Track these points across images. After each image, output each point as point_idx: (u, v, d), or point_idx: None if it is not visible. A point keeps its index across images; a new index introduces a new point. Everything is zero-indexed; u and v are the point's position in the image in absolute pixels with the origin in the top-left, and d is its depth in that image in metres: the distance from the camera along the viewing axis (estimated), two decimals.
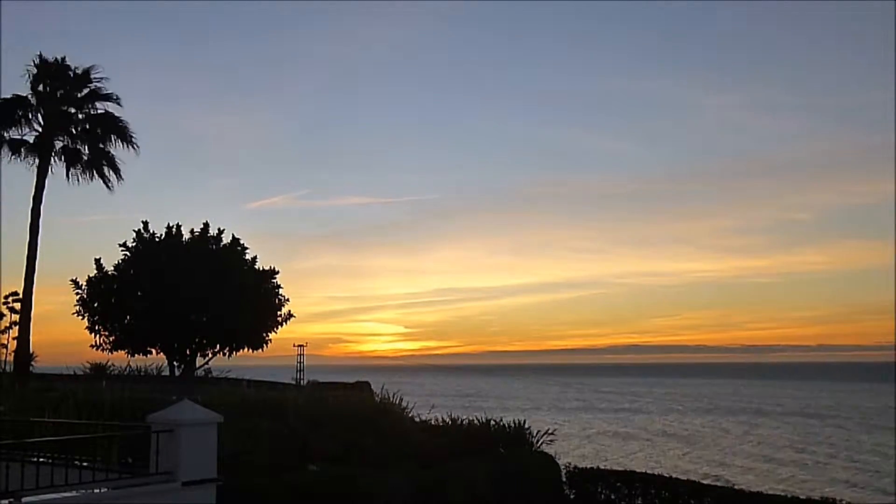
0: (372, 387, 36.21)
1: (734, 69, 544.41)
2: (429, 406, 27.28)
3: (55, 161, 36.76)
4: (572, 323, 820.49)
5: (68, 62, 37.09)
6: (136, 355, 39.59)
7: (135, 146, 37.78)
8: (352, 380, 41.65)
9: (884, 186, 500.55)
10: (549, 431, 23.65)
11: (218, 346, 40.59)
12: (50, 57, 36.91)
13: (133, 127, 38.00)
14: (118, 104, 37.54)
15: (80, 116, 37.56)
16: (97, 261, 39.63)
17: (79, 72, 36.94)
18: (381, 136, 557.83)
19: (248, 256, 41.14)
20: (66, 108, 37.19)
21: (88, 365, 36.65)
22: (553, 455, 22.53)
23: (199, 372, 40.02)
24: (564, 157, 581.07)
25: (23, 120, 36.51)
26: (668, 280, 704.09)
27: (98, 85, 37.28)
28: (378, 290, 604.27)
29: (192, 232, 40.51)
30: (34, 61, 36.56)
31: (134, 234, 40.17)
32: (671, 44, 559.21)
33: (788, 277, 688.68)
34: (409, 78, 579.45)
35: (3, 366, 38.11)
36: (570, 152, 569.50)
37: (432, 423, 23.36)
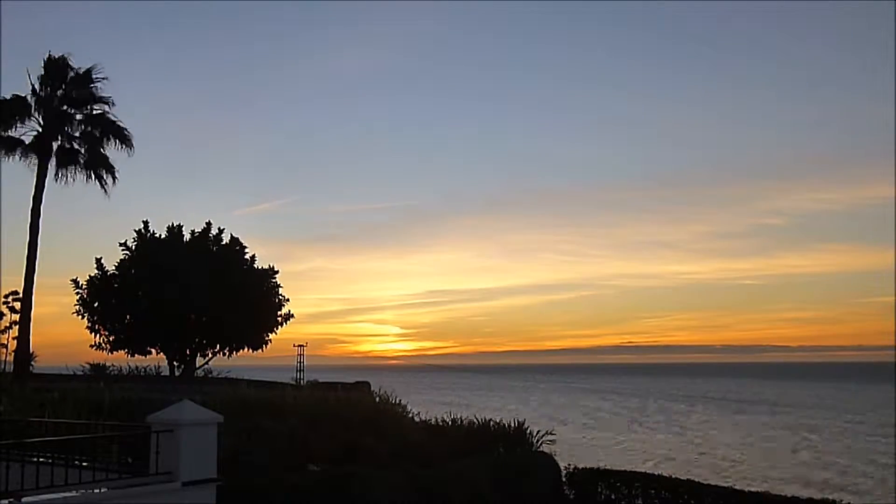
0: (371, 387, 36.18)
1: (709, 77, 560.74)
2: (429, 406, 27.29)
3: (54, 161, 36.80)
4: (565, 324, 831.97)
5: (70, 62, 37.21)
6: (136, 355, 39.62)
7: (131, 146, 37.86)
8: (351, 380, 41.56)
9: (854, 193, 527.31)
10: (550, 431, 23.65)
11: (218, 346, 40.59)
12: (54, 55, 37.05)
13: (129, 130, 38.13)
14: (111, 105, 37.66)
15: (78, 117, 37.59)
16: (98, 260, 39.66)
17: (80, 71, 36.98)
18: (370, 143, 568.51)
19: (247, 256, 41.17)
20: (65, 108, 37.21)
21: (88, 365, 36.62)
22: (553, 455, 22.56)
23: (199, 372, 40.00)
24: (548, 164, 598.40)
25: (22, 120, 36.55)
26: (655, 282, 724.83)
27: (96, 87, 37.37)
28: (370, 293, 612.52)
29: (192, 232, 40.52)
30: (42, 61, 36.65)
31: (134, 234, 40.20)
32: (648, 51, 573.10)
33: (769, 280, 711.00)
34: (398, 86, 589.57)
35: (3, 366, 38.06)
36: (552, 159, 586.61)
37: (432, 423, 23.35)
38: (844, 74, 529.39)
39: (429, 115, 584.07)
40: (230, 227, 41.68)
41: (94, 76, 37.15)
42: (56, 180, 37.05)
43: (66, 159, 37.17)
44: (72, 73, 36.94)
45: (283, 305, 41.62)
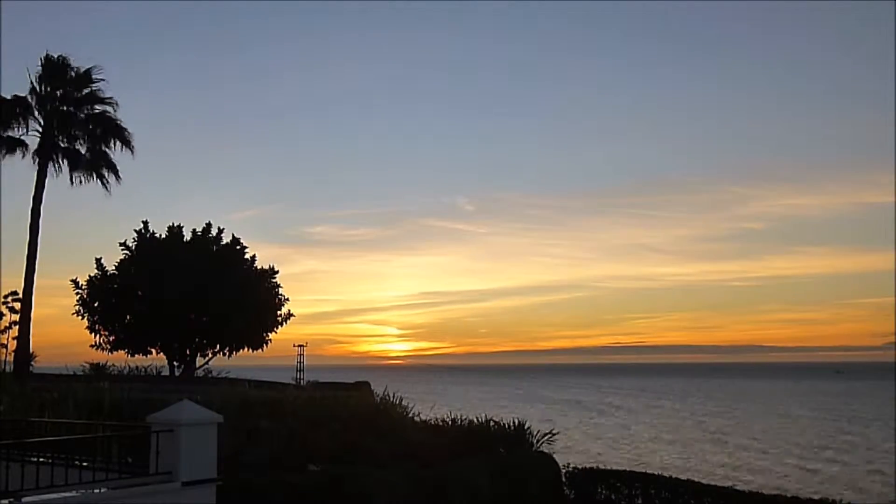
0: (371, 387, 36.14)
1: (692, 86, 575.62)
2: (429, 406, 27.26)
3: (55, 161, 36.73)
4: (558, 324, 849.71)
5: (70, 62, 37.15)
6: (136, 355, 39.60)
7: (132, 148, 37.78)
8: (351, 380, 41.55)
9: (825, 199, 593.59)
10: (550, 431, 23.63)
11: (218, 346, 40.56)
12: (53, 55, 36.99)
13: (131, 132, 38.01)
14: (115, 107, 37.55)
15: (80, 117, 37.50)
16: (98, 260, 39.65)
17: (80, 71, 36.91)
18: (362, 149, 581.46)
19: (247, 256, 41.13)
20: (66, 108, 37.15)
21: (88, 365, 36.58)
22: (552, 455, 22.55)
23: (199, 372, 39.98)
24: (536, 169, 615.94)
25: (23, 120, 36.49)
26: (645, 284, 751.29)
27: (97, 88, 37.31)
28: (365, 294, 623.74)
29: (193, 232, 40.49)
30: (40, 60, 36.58)
31: (134, 234, 40.17)
32: (638, 57, 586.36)
33: (755, 281, 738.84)
34: (390, 95, 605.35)
35: (3, 366, 38.03)
36: (540, 164, 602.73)
37: (432, 423, 23.33)
38: (824, 83, 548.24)
39: (418, 122, 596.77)
40: (226, 229, 41.57)
41: (93, 76, 37.11)
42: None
43: (68, 159, 37.10)
44: (72, 73, 36.87)
45: (283, 305, 41.63)
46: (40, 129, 36.51)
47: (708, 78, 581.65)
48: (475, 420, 22.96)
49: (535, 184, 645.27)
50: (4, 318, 45.55)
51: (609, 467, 23.65)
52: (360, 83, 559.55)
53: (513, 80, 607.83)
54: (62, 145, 37.12)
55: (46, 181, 35.99)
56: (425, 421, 23.46)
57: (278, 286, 41.63)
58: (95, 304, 39.25)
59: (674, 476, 21.82)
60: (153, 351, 39.97)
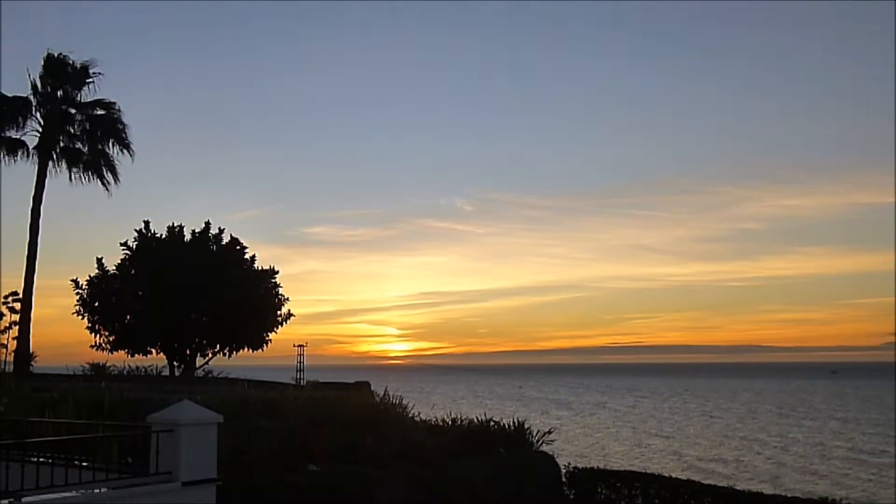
0: (371, 387, 36.10)
1: (688, 87, 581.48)
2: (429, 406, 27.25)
3: (55, 161, 36.73)
4: (557, 325, 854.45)
5: (69, 59, 37.15)
6: (136, 355, 39.53)
7: (131, 150, 37.76)
8: (351, 380, 41.53)
9: (823, 200, 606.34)
10: (550, 431, 23.64)
11: (218, 346, 40.53)
12: (54, 53, 37.03)
13: (131, 134, 37.97)
14: (117, 111, 37.53)
15: (80, 117, 37.51)
16: (99, 260, 39.60)
17: (78, 66, 36.87)
18: (360, 151, 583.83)
19: (246, 256, 41.10)
20: (66, 108, 37.15)
21: (88, 365, 36.55)
22: (553, 455, 22.56)
23: (199, 372, 39.95)
24: (531, 171, 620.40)
25: (23, 120, 36.49)
26: (643, 284, 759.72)
27: (94, 83, 37.31)
28: (363, 294, 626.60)
29: (192, 232, 40.46)
30: (42, 60, 36.56)
31: (135, 234, 40.14)
32: (639, 57, 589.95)
33: (752, 282, 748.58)
34: (387, 97, 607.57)
35: (3, 366, 38.03)
36: (536, 166, 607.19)
37: (432, 423, 23.33)
38: (824, 83, 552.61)
39: (418, 122, 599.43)
40: (226, 229, 41.48)
41: (91, 71, 37.06)
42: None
43: (68, 159, 37.09)
44: (70, 70, 36.84)
45: (283, 305, 41.59)
46: (40, 129, 36.52)
47: (707, 78, 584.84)
48: (475, 420, 22.97)
49: (535, 184, 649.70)
50: (4, 318, 45.45)
51: (609, 467, 23.65)
52: (361, 84, 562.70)
53: (513, 80, 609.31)
54: (62, 145, 37.12)
55: (46, 181, 36.04)
56: (425, 421, 23.45)
57: (278, 286, 41.59)
58: (95, 304, 39.22)
59: (674, 476, 21.83)
60: (153, 351, 39.92)
